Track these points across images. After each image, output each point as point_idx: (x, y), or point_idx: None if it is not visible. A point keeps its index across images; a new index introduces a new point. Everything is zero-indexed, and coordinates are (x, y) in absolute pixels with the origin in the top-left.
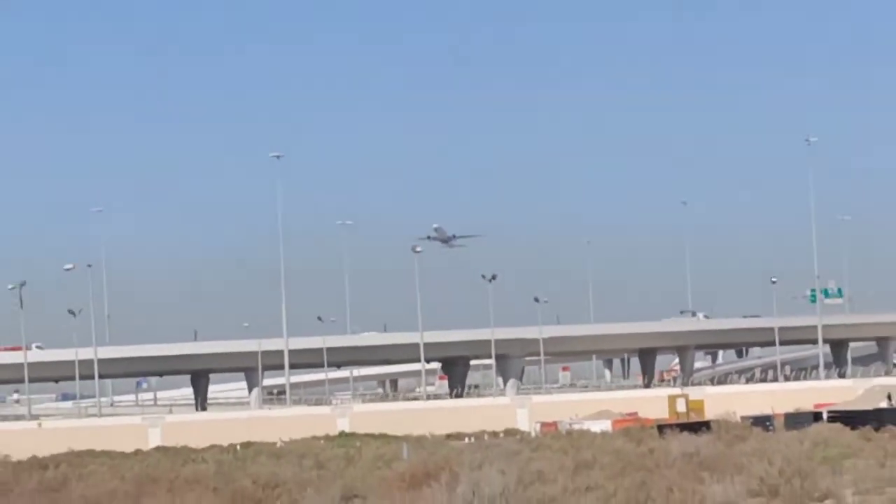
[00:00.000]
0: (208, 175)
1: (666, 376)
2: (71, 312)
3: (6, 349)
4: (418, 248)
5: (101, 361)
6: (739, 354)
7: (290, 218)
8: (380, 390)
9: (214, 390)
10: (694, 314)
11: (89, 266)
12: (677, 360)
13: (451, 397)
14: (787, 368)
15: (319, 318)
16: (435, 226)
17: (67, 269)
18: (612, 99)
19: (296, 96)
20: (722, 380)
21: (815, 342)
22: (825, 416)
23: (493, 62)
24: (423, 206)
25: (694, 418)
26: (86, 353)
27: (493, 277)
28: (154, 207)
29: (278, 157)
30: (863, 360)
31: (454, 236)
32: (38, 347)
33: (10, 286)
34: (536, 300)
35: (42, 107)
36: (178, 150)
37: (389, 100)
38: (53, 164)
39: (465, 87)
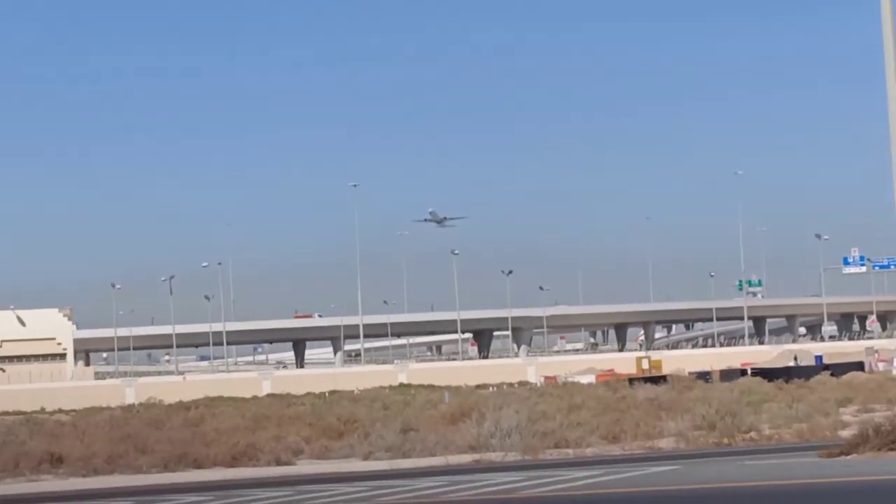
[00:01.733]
0: (299, 189)
1: (635, 343)
2: (206, 297)
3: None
4: (456, 251)
5: (228, 333)
6: (688, 328)
7: (362, 227)
8: (428, 353)
9: (309, 354)
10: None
11: (220, 264)
12: (643, 331)
13: (480, 358)
14: (722, 338)
15: (385, 302)
16: (430, 210)
17: (204, 267)
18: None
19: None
20: (675, 346)
21: (741, 319)
22: (749, 372)
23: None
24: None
25: (654, 373)
26: (217, 327)
27: (510, 272)
28: (265, 215)
29: (355, 186)
30: (777, 332)
31: (446, 218)
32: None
33: (162, 279)
34: (541, 288)
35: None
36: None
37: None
38: (193, 176)
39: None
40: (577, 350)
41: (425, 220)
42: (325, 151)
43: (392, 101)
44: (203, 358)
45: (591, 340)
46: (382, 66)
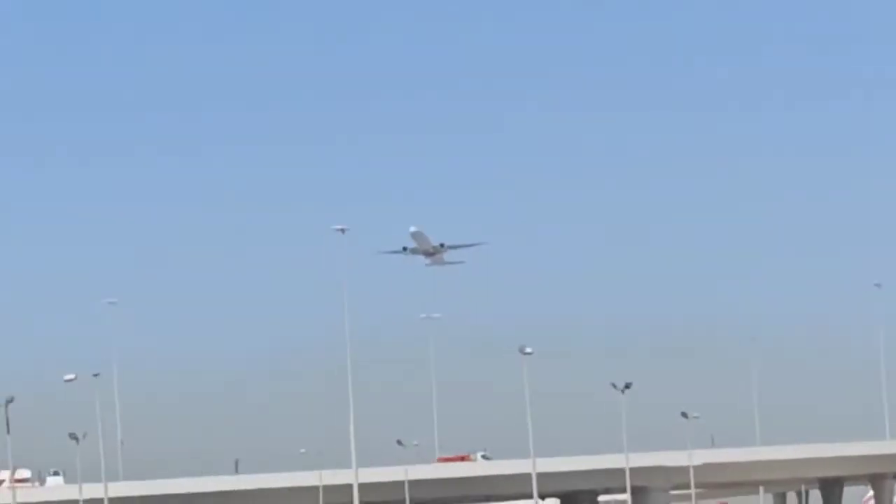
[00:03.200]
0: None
1: None
2: (73, 437)
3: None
4: (528, 349)
5: (112, 501)
6: None
7: (356, 311)
8: None
9: None
10: None
11: (96, 376)
12: (871, 492)
13: None
14: None
15: (399, 443)
16: (412, 229)
17: (68, 381)
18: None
19: None
20: None
21: None
22: None
23: None
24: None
25: None
26: (93, 490)
27: (627, 386)
28: (174, 298)
29: (342, 230)
30: None
31: (443, 245)
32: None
33: None
34: (684, 415)
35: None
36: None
37: None
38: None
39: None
40: None
41: (405, 248)
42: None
43: None
44: None
45: None
46: None
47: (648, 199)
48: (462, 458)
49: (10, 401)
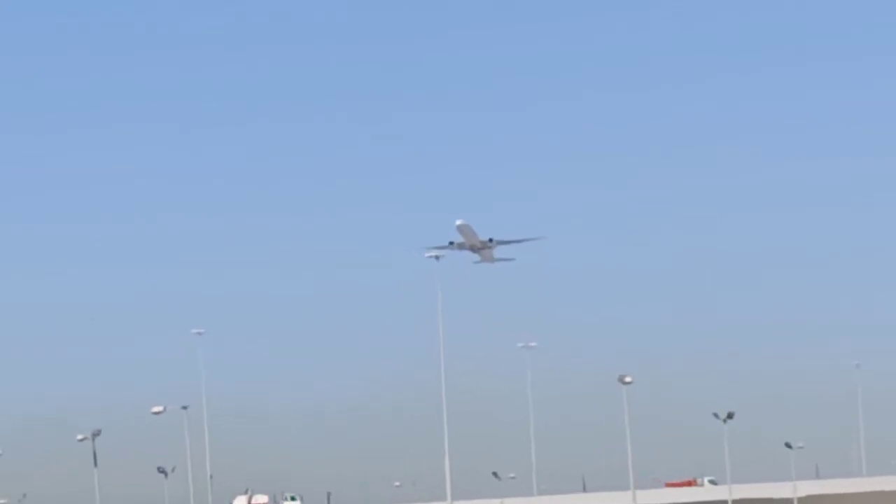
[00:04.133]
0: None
1: None
2: (161, 471)
3: None
4: (628, 378)
5: None
6: None
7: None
8: None
9: None
10: None
11: (184, 408)
12: None
13: None
14: None
15: (495, 475)
16: (459, 222)
17: (156, 413)
18: None
19: None
20: None
21: None
22: None
23: None
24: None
25: None
26: None
27: (730, 416)
28: (263, 329)
29: (437, 257)
30: None
31: (491, 240)
32: None
33: (79, 437)
34: (788, 446)
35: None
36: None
37: None
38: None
39: None
40: None
41: (451, 243)
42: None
43: None
44: None
45: None
46: None
47: (759, 243)
48: (689, 483)
49: (96, 434)
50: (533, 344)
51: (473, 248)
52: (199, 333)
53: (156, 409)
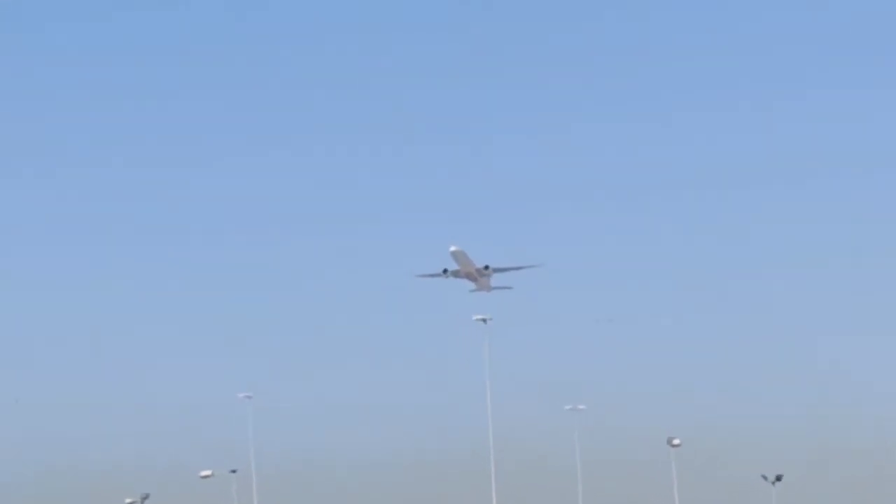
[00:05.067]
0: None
1: None
2: None
3: None
4: (676, 441)
5: None
6: None
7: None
8: None
9: None
10: None
11: (233, 472)
12: None
13: None
14: None
15: None
16: (453, 248)
17: (204, 477)
18: None
19: None
20: None
21: None
22: None
23: None
24: None
25: None
26: None
27: (778, 478)
28: (309, 393)
29: (485, 320)
30: None
31: (487, 267)
32: None
33: (127, 501)
34: None
35: None
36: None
37: None
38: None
39: None
40: None
41: (445, 271)
42: None
43: None
44: None
45: None
46: None
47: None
48: None
49: (145, 498)
50: (581, 407)
51: (469, 276)
52: (248, 397)
53: (204, 472)
